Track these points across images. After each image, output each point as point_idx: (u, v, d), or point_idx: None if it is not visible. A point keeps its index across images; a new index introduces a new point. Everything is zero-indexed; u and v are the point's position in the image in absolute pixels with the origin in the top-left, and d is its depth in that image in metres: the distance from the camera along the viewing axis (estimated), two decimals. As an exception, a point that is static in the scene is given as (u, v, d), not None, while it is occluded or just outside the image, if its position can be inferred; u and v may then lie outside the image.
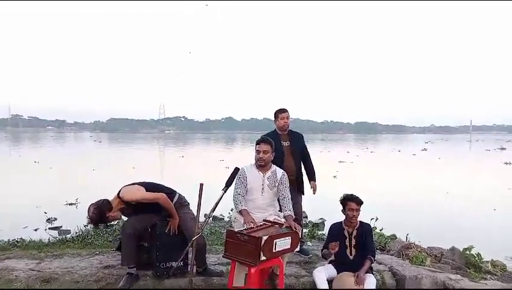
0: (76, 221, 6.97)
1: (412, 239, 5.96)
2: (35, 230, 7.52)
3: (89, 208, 3.57)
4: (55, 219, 8.47)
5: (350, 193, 3.65)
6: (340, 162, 23.62)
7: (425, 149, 40.07)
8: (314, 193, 4.72)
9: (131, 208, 3.71)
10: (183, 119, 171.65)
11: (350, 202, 3.57)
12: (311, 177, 4.76)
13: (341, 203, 3.65)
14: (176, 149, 41.30)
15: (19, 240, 5.92)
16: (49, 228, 7.83)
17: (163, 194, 3.73)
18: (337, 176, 16.31)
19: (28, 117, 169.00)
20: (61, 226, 7.89)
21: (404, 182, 15.46)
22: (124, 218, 4.06)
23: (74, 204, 9.96)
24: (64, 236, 6.31)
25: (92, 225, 4.33)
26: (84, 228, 6.63)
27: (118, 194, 3.67)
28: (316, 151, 34.85)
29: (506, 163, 23.75)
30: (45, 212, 8.54)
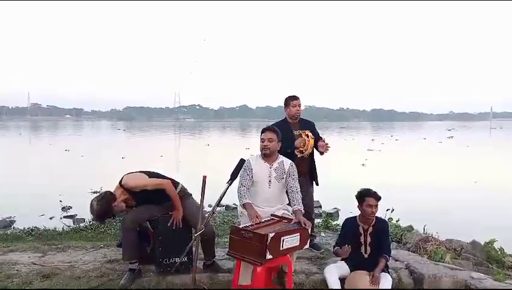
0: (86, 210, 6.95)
1: (430, 231, 5.66)
2: (51, 218, 7.53)
3: (91, 203, 3.38)
4: (70, 207, 8.47)
5: (367, 188, 3.38)
6: (369, 150, 23.24)
7: (451, 137, 39.08)
8: (326, 150, 4.24)
9: (135, 197, 3.53)
10: (198, 107, 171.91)
11: (368, 197, 3.31)
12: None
13: (357, 198, 3.39)
14: (199, 137, 41.62)
15: (33, 228, 5.96)
16: (64, 217, 7.83)
17: (168, 180, 3.55)
18: (365, 164, 16.17)
19: (47, 106, 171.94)
20: (76, 215, 7.87)
21: (432, 171, 14.91)
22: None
23: (99, 192, 9.98)
24: (78, 225, 6.32)
25: (98, 221, 4.15)
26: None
27: (120, 182, 3.50)
28: (340, 139, 34.64)
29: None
30: (60, 201, 8.57)
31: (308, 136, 4.15)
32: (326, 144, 4.25)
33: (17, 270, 3.68)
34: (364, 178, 11.34)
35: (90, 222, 6.26)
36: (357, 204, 3.40)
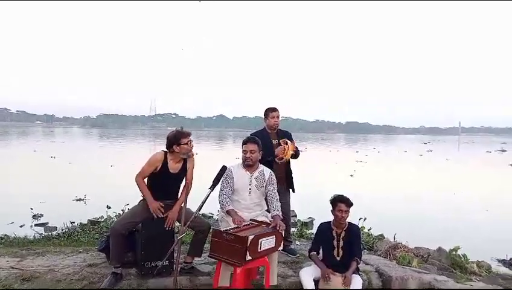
0: (64, 218, 6.89)
1: (400, 239, 5.96)
2: (21, 226, 7.39)
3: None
4: (41, 215, 8.35)
5: (341, 194, 3.61)
6: (357, 161, 23.86)
7: (431, 150, 40.73)
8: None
9: (157, 176, 3.65)
10: (174, 116, 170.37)
11: (340, 203, 3.53)
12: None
13: (331, 203, 3.61)
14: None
15: (3, 236, 5.84)
16: (35, 225, 7.71)
17: None
18: (354, 175, 16.77)
19: (17, 111, 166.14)
20: (48, 223, 7.77)
21: (414, 183, 15.60)
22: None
23: (83, 200, 9.89)
24: (50, 233, 6.23)
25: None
26: (70, 225, 6.54)
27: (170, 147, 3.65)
28: (325, 151, 35.36)
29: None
30: (31, 209, 8.42)
31: (287, 144, 4.38)
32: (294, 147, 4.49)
33: (-5, 274, 3.68)
34: (349, 189, 11.77)
35: (62, 229, 6.19)
36: (330, 209, 3.62)
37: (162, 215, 3.64)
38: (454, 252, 5.58)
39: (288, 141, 4.42)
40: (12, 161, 19.57)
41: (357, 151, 35.01)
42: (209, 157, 19.99)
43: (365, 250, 5.45)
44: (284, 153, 4.33)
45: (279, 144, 4.43)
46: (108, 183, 12.41)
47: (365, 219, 6.82)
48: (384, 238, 6.35)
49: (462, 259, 5.50)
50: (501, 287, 3.94)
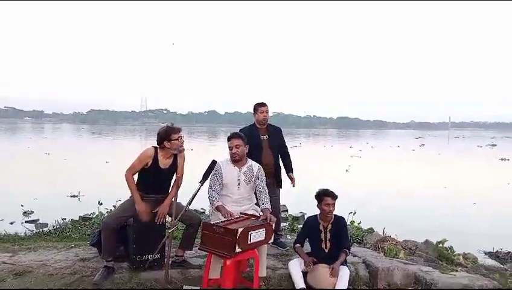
0: (55, 214, 6.89)
1: (390, 233, 6.09)
2: (11, 223, 7.38)
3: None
4: (32, 212, 8.33)
5: (325, 188, 3.68)
6: (352, 156, 24.05)
7: (423, 145, 41.09)
8: (293, 185, 4.72)
9: (149, 172, 3.69)
10: (165, 111, 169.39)
11: (326, 197, 3.60)
12: (289, 169, 4.76)
13: (316, 198, 3.69)
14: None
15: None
16: (25, 221, 7.70)
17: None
18: (349, 170, 16.94)
19: (5, 107, 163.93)
20: (38, 219, 7.76)
21: (407, 177, 15.80)
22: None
23: (77, 196, 9.87)
24: (41, 229, 6.23)
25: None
26: (62, 221, 6.55)
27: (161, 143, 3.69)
28: (319, 146, 35.58)
29: (503, 159, 24.52)
30: (22, 205, 8.39)
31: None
32: (293, 178, 4.72)
33: (-13, 269, 3.70)
34: (344, 183, 12.04)
35: (53, 226, 6.21)
36: (316, 203, 3.70)
37: (146, 220, 3.68)
38: (440, 245, 5.73)
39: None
40: (7, 158, 19.40)
41: (350, 147, 35.31)
42: (201, 153, 20.07)
43: (355, 243, 5.56)
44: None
45: (269, 140, 4.55)
46: (103, 180, 12.37)
47: (355, 212, 6.93)
48: (373, 231, 6.47)
49: (449, 251, 5.65)
50: (481, 276, 4.06)
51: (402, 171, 18.15)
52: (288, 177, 4.72)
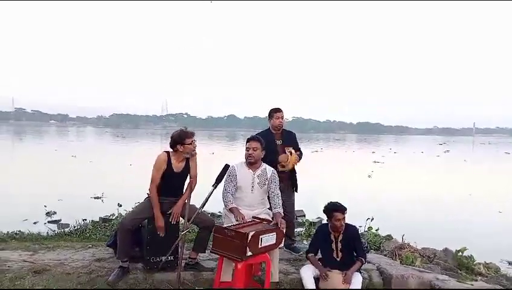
0: (77, 215, 7.07)
1: (409, 240, 5.96)
2: (35, 223, 7.58)
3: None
4: (55, 213, 8.55)
5: (333, 202, 3.65)
6: (375, 162, 23.84)
7: (448, 151, 40.11)
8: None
9: (165, 179, 3.76)
10: (185, 116, 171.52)
11: (336, 213, 3.57)
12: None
13: (325, 213, 3.66)
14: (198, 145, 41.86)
15: (17, 232, 6.03)
16: (48, 222, 7.91)
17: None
18: (371, 175, 16.75)
19: (32, 111, 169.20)
20: (61, 220, 7.96)
21: (432, 184, 15.33)
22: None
23: (100, 198, 10.11)
24: (62, 230, 6.41)
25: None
26: (82, 222, 6.71)
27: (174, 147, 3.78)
28: (340, 151, 35.31)
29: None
30: (45, 206, 8.61)
31: (291, 153, 4.46)
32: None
33: (8, 266, 3.84)
34: (366, 189, 11.98)
35: (74, 227, 6.37)
36: (326, 218, 3.67)
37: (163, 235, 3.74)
38: (460, 253, 5.57)
39: (293, 151, 4.48)
40: (35, 160, 19.95)
41: (373, 152, 34.69)
42: (221, 156, 20.16)
43: (372, 250, 5.48)
44: (286, 160, 4.41)
45: (284, 147, 4.52)
46: (125, 182, 12.56)
47: (372, 219, 6.83)
48: (392, 238, 6.35)
49: (469, 260, 5.49)
50: (501, 287, 3.93)
51: (426, 177, 17.74)
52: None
